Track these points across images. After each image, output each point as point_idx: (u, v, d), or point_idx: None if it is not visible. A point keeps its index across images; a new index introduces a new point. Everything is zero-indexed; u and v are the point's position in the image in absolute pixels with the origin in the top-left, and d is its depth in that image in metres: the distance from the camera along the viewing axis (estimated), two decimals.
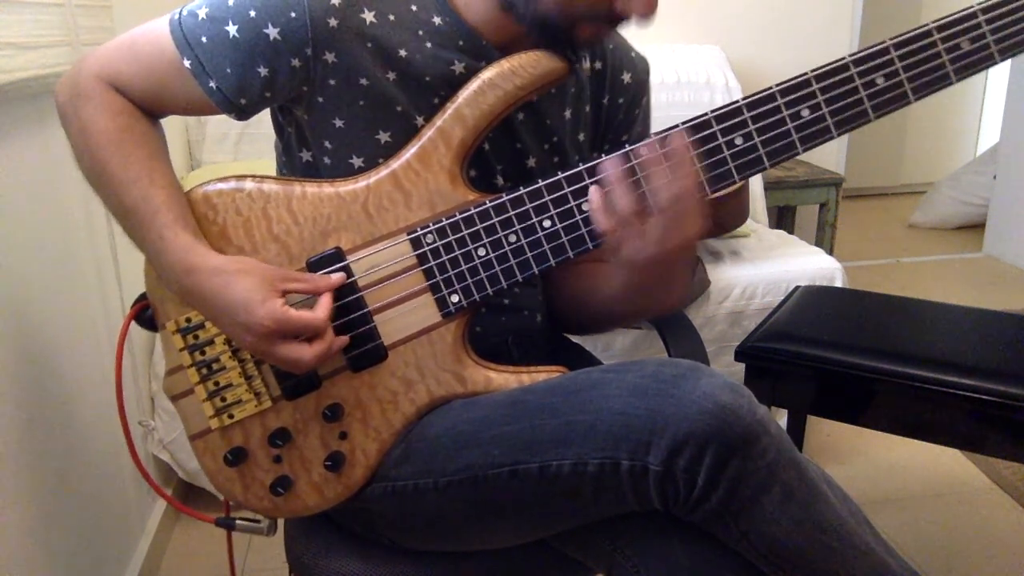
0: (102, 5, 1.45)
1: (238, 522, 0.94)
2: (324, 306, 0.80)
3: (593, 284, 0.97)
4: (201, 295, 0.80)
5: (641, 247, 0.78)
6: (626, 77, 0.98)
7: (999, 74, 4.13)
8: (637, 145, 0.79)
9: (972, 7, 0.75)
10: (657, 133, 0.79)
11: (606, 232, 0.79)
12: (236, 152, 2.20)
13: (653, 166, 0.77)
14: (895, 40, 0.76)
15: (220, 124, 2.16)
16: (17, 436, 1.07)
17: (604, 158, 0.80)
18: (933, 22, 0.76)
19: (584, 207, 0.81)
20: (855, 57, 0.77)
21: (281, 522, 0.95)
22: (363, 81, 0.83)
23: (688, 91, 2.47)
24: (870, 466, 1.97)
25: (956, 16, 0.75)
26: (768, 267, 1.96)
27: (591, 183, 0.81)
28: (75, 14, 1.30)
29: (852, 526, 0.75)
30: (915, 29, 0.76)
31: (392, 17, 0.83)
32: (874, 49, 0.77)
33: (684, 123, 0.79)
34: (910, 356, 1.31)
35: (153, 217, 0.81)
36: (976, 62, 0.76)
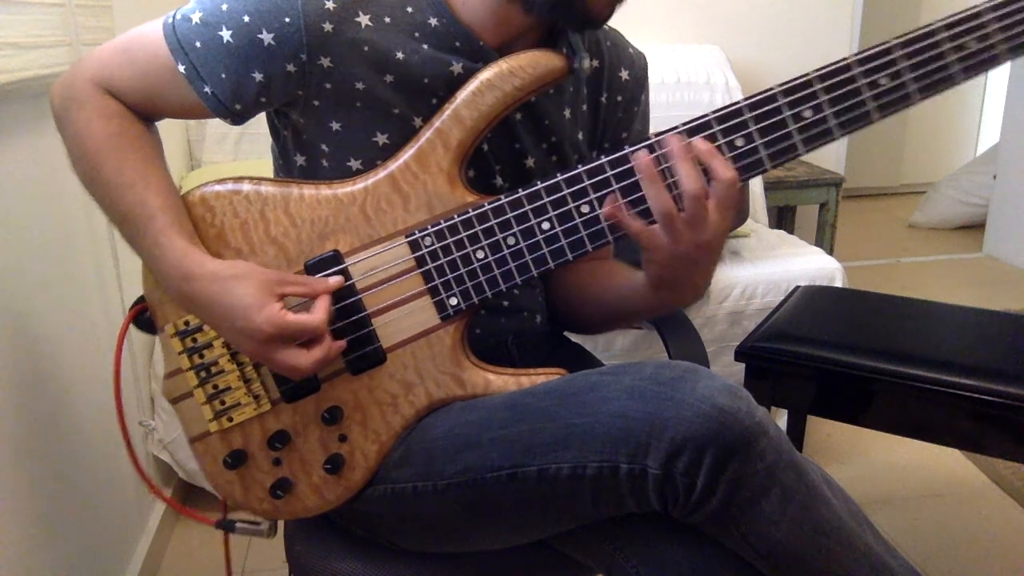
0: (102, 5, 1.45)
1: (238, 524, 0.94)
2: (322, 308, 0.79)
3: (611, 283, 0.96)
4: (199, 301, 0.79)
5: (675, 244, 0.77)
6: (624, 74, 0.98)
7: (999, 74, 4.12)
8: (662, 136, 0.78)
9: (979, 5, 0.73)
10: (658, 133, 0.78)
11: (641, 233, 0.78)
12: (236, 152, 2.20)
13: (682, 160, 0.76)
14: (900, 39, 0.74)
15: (220, 124, 2.12)
16: (17, 437, 1.07)
17: (607, 158, 0.79)
18: (939, 21, 0.74)
19: (583, 209, 0.80)
20: (859, 57, 0.75)
21: (281, 523, 0.95)
22: (359, 85, 0.82)
23: (688, 91, 2.47)
24: (870, 466, 1.97)
25: (963, 15, 0.73)
26: (768, 267, 1.95)
27: (616, 169, 0.79)
28: (75, 14, 1.30)
29: (852, 527, 0.74)
30: (921, 28, 0.74)
31: (387, 20, 0.83)
32: (878, 49, 0.75)
33: (684, 124, 0.78)
34: (910, 356, 1.31)
35: (149, 222, 0.80)
36: (984, 62, 0.74)
